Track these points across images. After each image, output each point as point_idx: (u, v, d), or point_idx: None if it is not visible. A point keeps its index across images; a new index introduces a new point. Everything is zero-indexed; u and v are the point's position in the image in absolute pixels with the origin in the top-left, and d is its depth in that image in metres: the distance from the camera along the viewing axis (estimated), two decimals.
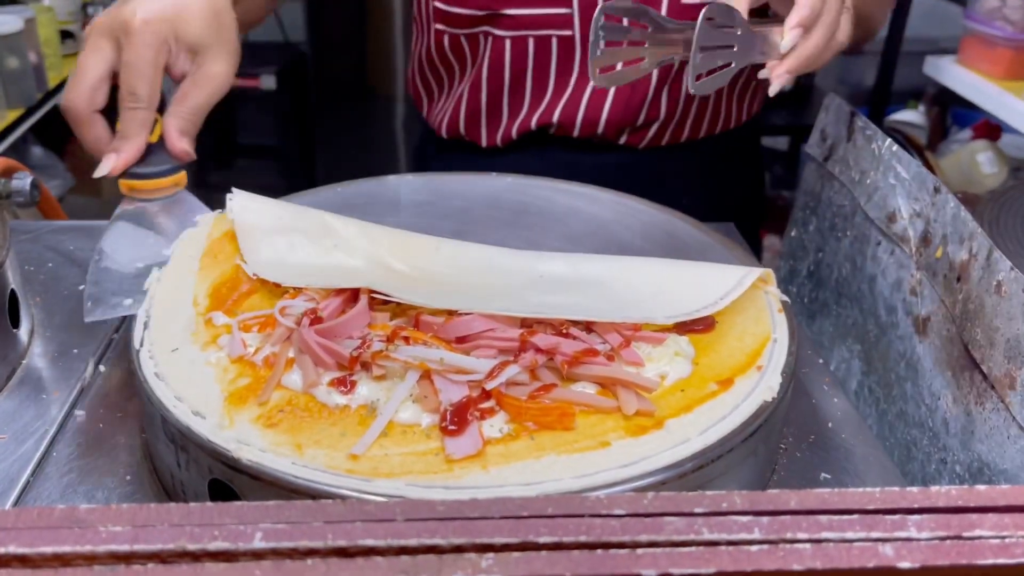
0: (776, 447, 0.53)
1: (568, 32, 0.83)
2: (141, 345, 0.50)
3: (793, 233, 0.82)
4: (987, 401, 0.51)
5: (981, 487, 0.33)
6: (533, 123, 0.88)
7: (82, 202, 2.91)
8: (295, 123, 2.96)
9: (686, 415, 0.46)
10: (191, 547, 0.30)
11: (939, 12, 2.15)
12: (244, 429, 0.44)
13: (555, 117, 0.87)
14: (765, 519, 0.32)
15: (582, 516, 0.32)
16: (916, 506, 0.33)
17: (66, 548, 0.30)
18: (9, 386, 0.58)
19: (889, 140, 0.66)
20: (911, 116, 2.17)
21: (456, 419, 0.44)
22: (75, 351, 0.62)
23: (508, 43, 0.84)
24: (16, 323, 0.61)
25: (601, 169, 0.89)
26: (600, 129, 0.87)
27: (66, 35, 2.69)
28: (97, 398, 0.57)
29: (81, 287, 0.69)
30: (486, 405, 0.45)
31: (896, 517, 0.32)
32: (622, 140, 0.89)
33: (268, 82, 2.84)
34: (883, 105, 2.06)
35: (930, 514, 0.33)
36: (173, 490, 0.48)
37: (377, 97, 2.97)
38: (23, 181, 0.84)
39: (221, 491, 0.44)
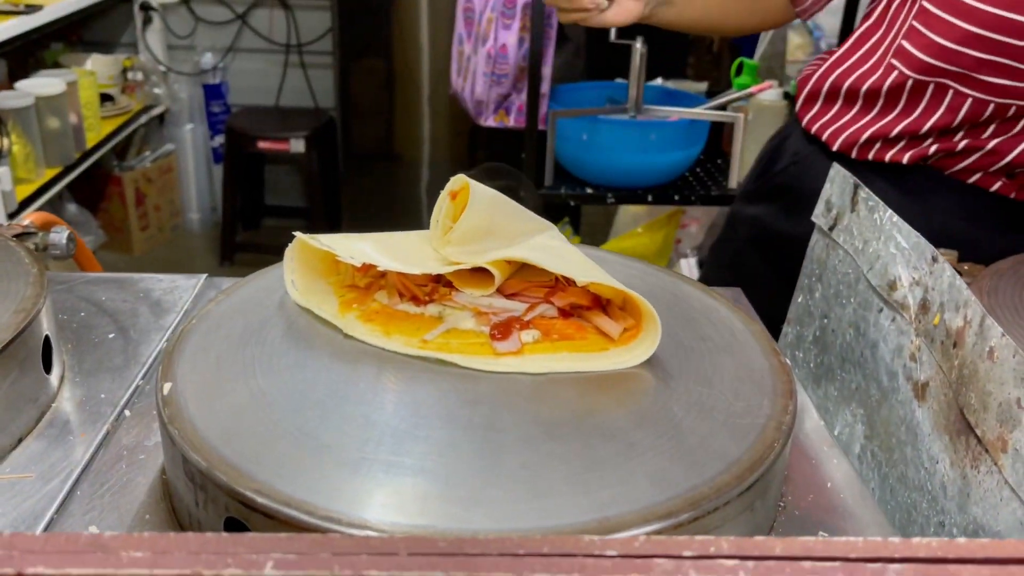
0: (774, 504, 0.54)
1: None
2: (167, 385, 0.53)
3: (800, 299, 0.84)
4: (981, 464, 0.52)
5: (961, 540, 0.35)
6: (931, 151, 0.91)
7: (113, 258, 2.98)
8: (322, 185, 3.03)
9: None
10: (206, 573, 0.32)
11: None
12: (351, 321, 0.61)
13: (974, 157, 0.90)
14: (751, 563, 0.34)
15: (575, 556, 0.33)
16: (897, 556, 0.35)
17: (90, 571, 0.32)
18: (39, 428, 0.61)
19: (890, 211, 0.69)
20: None
21: (502, 329, 0.60)
22: (102, 396, 0.64)
23: (969, 100, 0.88)
24: (48, 368, 0.63)
25: (961, 209, 0.93)
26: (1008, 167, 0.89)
27: (106, 98, 2.80)
28: (121, 441, 0.60)
29: (111, 335, 0.73)
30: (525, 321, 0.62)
31: (877, 565, 0.34)
32: (995, 187, 0.92)
33: (297, 145, 2.92)
34: None
35: (910, 563, 0.34)
36: (190, 528, 0.50)
37: (403, 162, 3.04)
38: (60, 235, 0.88)
39: (235, 529, 0.46)
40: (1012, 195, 0.93)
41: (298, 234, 0.64)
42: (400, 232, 0.69)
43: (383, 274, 0.65)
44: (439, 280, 0.64)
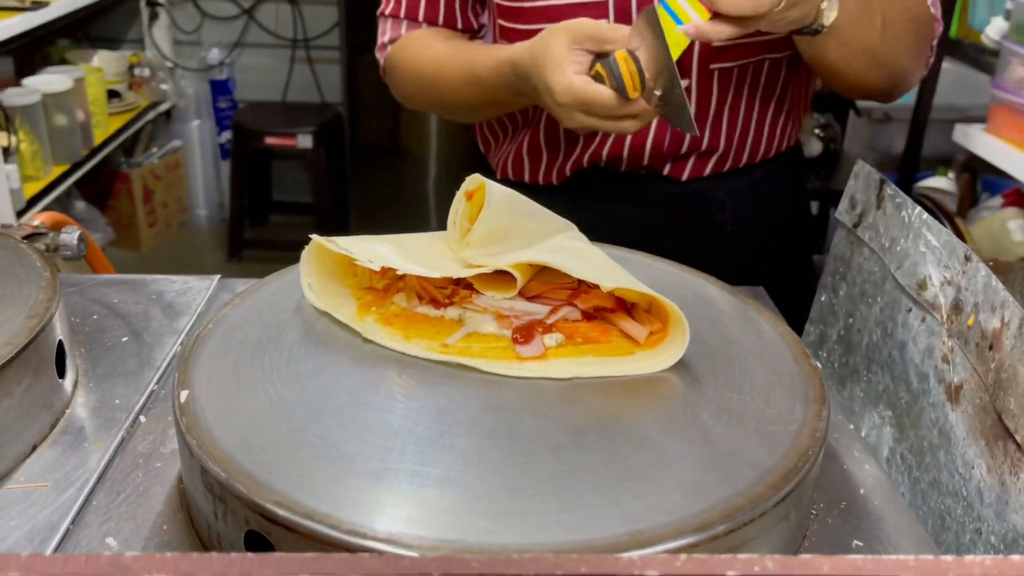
0: (807, 512, 0.52)
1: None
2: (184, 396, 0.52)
3: (823, 298, 0.83)
4: (1021, 471, 0.51)
5: (1016, 557, 0.33)
6: (585, 160, 0.97)
7: (121, 255, 2.98)
8: (330, 181, 3.02)
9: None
10: None
11: (968, 81, 2.17)
12: (370, 324, 0.60)
13: (604, 153, 0.95)
14: None
15: None
16: (951, 575, 0.33)
17: None
18: (53, 435, 0.60)
19: (919, 208, 0.67)
20: (940, 183, 2.17)
21: (525, 333, 0.58)
22: (117, 401, 0.63)
23: None
24: (62, 373, 0.62)
25: (646, 201, 0.97)
26: (645, 160, 0.95)
27: (113, 94, 2.78)
28: (137, 448, 0.59)
29: (125, 339, 0.72)
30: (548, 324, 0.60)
31: None
32: (666, 171, 0.96)
33: (305, 141, 2.91)
34: (912, 172, 2.06)
35: None
36: (209, 541, 0.49)
37: (410, 157, 3.03)
38: (71, 235, 0.87)
39: (256, 543, 0.45)
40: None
41: (315, 237, 0.62)
42: (417, 234, 0.68)
43: (401, 276, 0.63)
44: (459, 282, 0.63)
